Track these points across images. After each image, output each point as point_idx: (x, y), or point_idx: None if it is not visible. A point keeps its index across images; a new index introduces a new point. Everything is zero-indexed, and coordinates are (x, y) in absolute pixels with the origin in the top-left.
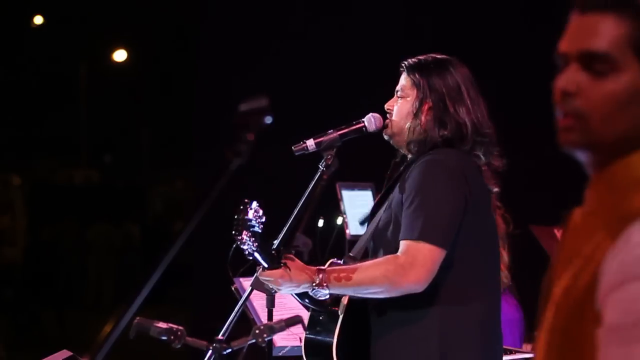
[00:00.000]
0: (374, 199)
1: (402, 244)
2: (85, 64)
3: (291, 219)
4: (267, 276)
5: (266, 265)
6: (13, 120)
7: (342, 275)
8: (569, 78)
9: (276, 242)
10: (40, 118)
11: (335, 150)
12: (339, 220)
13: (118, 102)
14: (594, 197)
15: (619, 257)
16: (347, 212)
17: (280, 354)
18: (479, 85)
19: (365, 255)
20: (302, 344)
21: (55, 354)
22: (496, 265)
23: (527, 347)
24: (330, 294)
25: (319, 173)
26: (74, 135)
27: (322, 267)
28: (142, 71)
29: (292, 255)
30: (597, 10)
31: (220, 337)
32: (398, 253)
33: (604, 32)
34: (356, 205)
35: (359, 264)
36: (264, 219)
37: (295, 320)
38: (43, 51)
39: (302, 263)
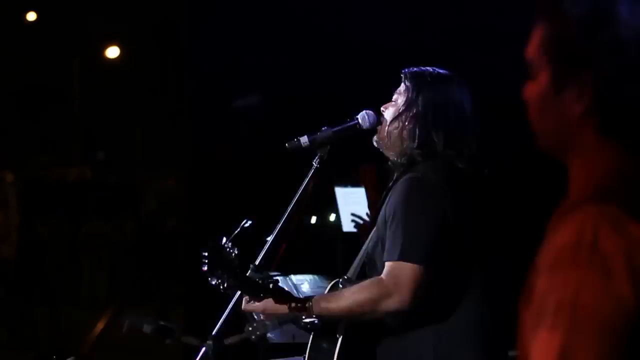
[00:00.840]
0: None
1: (386, 265)
2: (78, 60)
3: (284, 216)
4: (250, 309)
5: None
6: (6, 117)
7: (328, 303)
8: (525, 89)
9: (269, 238)
10: (33, 115)
11: (329, 147)
12: (332, 217)
13: (111, 99)
14: (575, 192)
15: (553, 243)
16: (341, 209)
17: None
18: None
19: (360, 277)
20: None
21: None
22: (491, 270)
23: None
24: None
25: (312, 170)
26: (67, 132)
27: (310, 296)
28: (135, 68)
29: (277, 287)
30: (539, 21)
31: (213, 334)
32: (382, 275)
33: (533, 39)
34: (350, 202)
35: (344, 290)
36: (236, 251)
37: (289, 317)
38: (36, 47)
39: (289, 294)
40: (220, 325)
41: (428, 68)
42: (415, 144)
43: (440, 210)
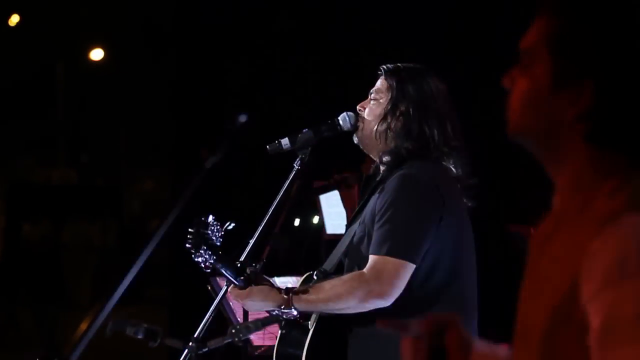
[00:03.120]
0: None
1: (370, 258)
2: (62, 63)
3: (267, 218)
4: (234, 295)
5: (232, 279)
6: None
7: (308, 294)
8: (509, 75)
9: (252, 240)
10: (17, 117)
11: (310, 148)
12: (316, 219)
13: (95, 101)
14: (559, 201)
15: (600, 259)
16: (324, 211)
17: (257, 353)
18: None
19: (339, 270)
20: (274, 357)
21: None
22: (473, 273)
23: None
24: (299, 312)
25: (294, 172)
26: (51, 134)
27: (290, 287)
28: (119, 70)
29: (261, 276)
30: (538, 15)
31: (196, 336)
32: (365, 268)
33: (533, 31)
34: (333, 204)
35: (325, 282)
36: (222, 233)
37: (271, 319)
38: (20, 50)
39: (269, 283)
40: (203, 328)
41: (406, 64)
42: (407, 142)
43: (432, 209)
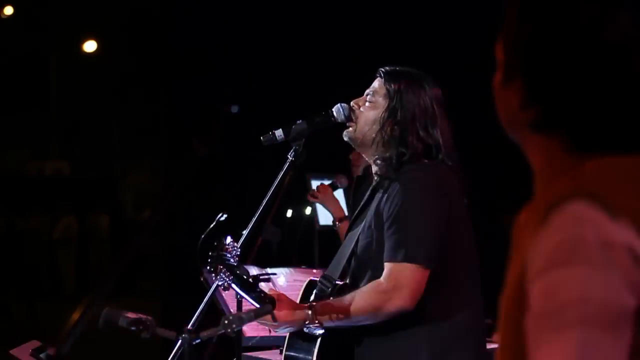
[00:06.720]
0: (344, 190)
1: (386, 266)
2: (55, 55)
3: (259, 209)
4: (262, 320)
5: (252, 302)
6: None
7: (331, 310)
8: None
9: (245, 232)
10: (10, 109)
11: (304, 140)
12: (308, 211)
13: (88, 93)
14: (535, 193)
15: (541, 244)
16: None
17: (250, 344)
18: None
19: (342, 276)
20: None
21: (25, 345)
22: (477, 271)
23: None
24: (324, 328)
25: (288, 163)
26: (44, 126)
27: (313, 304)
28: (112, 62)
29: (280, 294)
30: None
31: (189, 327)
32: (381, 277)
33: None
34: None
35: (345, 297)
36: (238, 251)
37: (264, 311)
38: (13, 42)
39: (290, 300)
40: (196, 319)
41: (404, 68)
42: (402, 148)
43: (442, 211)
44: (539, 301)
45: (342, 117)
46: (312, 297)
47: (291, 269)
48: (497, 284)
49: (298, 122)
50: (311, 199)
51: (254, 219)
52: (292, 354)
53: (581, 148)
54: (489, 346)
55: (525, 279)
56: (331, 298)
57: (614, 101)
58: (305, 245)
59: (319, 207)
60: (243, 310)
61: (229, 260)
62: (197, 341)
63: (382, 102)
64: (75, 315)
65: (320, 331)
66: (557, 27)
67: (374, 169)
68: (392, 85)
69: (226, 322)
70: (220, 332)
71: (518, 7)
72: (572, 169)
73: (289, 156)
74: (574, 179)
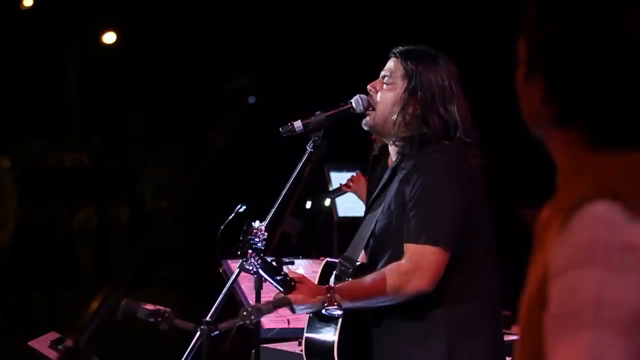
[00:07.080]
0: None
1: (406, 247)
2: (75, 46)
3: (278, 201)
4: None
5: (277, 286)
6: (2, 103)
7: (350, 291)
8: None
9: (264, 223)
10: (30, 101)
11: (322, 131)
12: (327, 202)
13: (107, 85)
14: (557, 189)
15: (562, 246)
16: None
17: (269, 335)
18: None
19: (365, 257)
20: (303, 345)
21: (43, 336)
22: (494, 255)
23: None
24: (343, 310)
25: (307, 155)
26: (63, 118)
27: (331, 285)
28: (132, 53)
29: (301, 276)
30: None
31: (208, 318)
32: (402, 258)
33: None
34: None
35: (365, 278)
36: (265, 236)
37: (283, 302)
38: (32, 33)
39: (312, 283)
40: (215, 310)
41: (419, 47)
42: (424, 128)
43: (464, 193)
44: (556, 301)
45: (361, 107)
46: (332, 279)
47: (310, 261)
48: (516, 275)
49: (317, 113)
50: (345, 189)
51: (272, 211)
52: (313, 335)
53: (603, 143)
54: (508, 338)
55: (547, 279)
56: (350, 279)
57: (635, 96)
58: (324, 237)
59: (337, 198)
60: (262, 302)
61: (257, 244)
62: (216, 333)
63: (400, 82)
64: (94, 306)
65: (339, 312)
66: (578, 22)
67: (394, 149)
68: (410, 65)
69: (245, 313)
70: (239, 324)
71: (539, 3)
72: (595, 166)
73: (307, 147)
74: (596, 178)
